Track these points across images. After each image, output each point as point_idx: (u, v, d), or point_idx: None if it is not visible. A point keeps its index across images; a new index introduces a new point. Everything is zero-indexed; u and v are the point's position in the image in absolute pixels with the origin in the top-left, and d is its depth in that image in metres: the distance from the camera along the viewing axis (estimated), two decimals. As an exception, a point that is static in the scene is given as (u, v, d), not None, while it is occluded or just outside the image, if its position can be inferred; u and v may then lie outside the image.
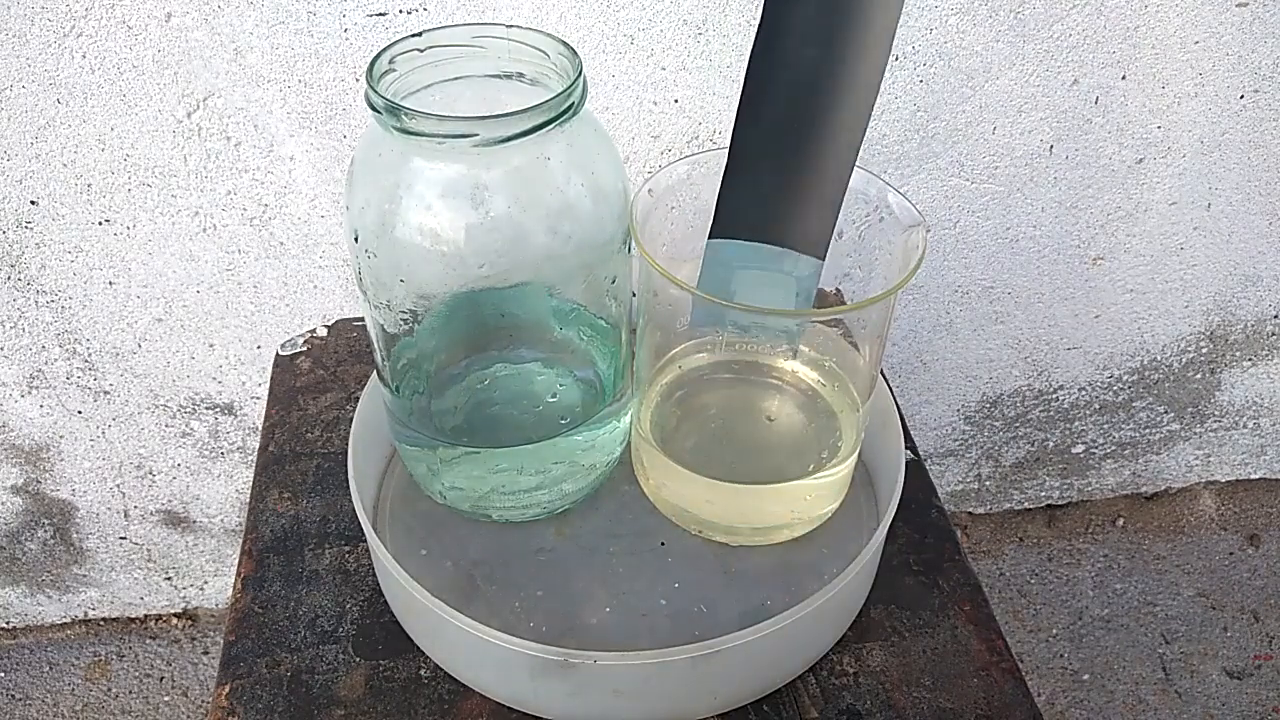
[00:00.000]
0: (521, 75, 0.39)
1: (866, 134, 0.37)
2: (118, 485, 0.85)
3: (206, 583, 0.95)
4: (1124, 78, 0.71)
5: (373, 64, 0.36)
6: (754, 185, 0.37)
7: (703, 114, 0.68)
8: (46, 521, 0.87)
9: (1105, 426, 0.97)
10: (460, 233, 0.37)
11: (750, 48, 0.36)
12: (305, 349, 0.59)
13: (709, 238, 0.39)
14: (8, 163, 0.65)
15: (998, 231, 0.79)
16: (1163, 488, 1.05)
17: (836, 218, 0.37)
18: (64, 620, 0.95)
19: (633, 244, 0.39)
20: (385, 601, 0.45)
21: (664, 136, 0.69)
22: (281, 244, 0.71)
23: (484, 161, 0.36)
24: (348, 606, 0.45)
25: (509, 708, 0.41)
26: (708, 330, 0.43)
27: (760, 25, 0.36)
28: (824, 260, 0.38)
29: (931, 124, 0.72)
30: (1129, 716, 0.91)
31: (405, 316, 0.40)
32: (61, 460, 0.82)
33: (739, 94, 0.37)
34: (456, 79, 0.39)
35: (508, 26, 0.38)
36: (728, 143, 0.38)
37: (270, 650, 0.43)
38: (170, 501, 0.87)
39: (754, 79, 0.36)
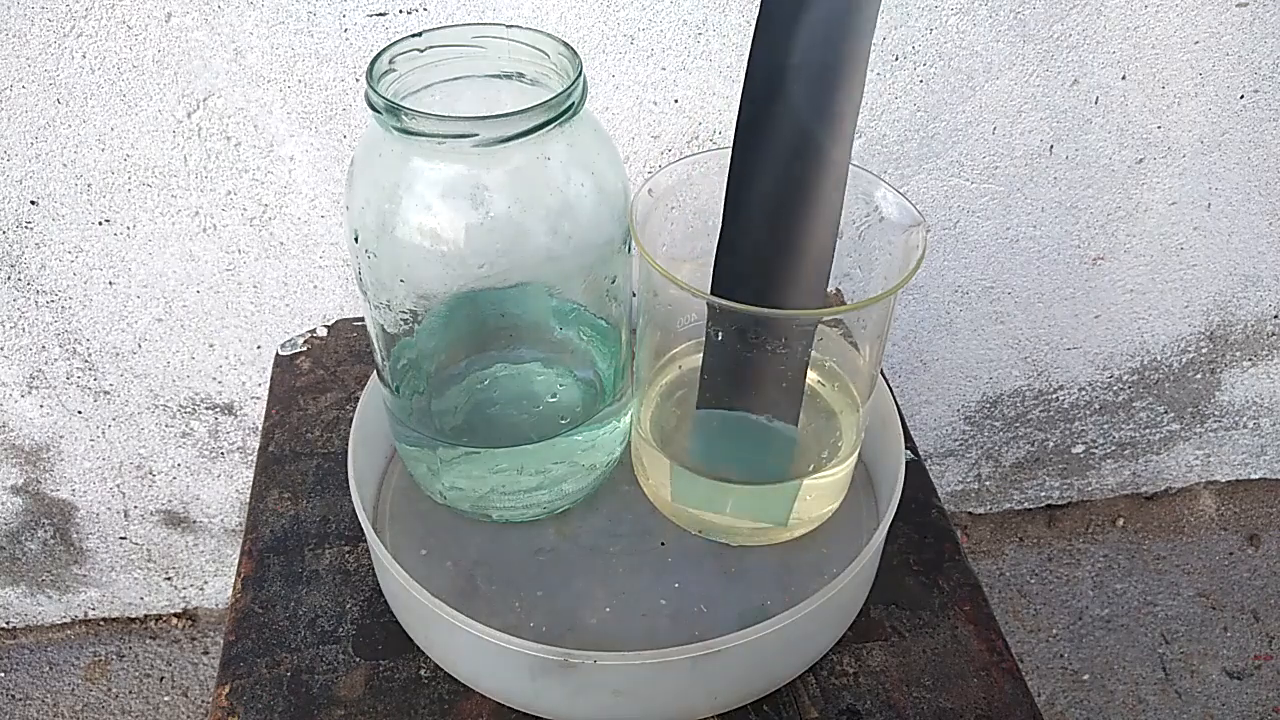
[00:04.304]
0: (521, 75, 0.39)
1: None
2: (118, 485, 0.85)
3: (206, 583, 0.95)
4: (1124, 78, 0.71)
5: (373, 64, 0.36)
6: (729, 368, 0.41)
7: (703, 114, 0.68)
8: (46, 521, 0.87)
9: (1105, 426, 0.97)
10: (460, 233, 0.37)
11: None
12: (305, 349, 0.59)
13: (696, 407, 0.43)
14: (8, 163, 0.65)
15: (998, 231, 0.79)
16: (1163, 488, 1.05)
17: (802, 394, 0.42)
18: (64, 620, 0.95)
19: (633, 244, 0.39)
20: (385, 601, 0.45)
21: (664, 136, 0.69)
22: (281, 244, 0.71)
23: (484, 161, 0.36)
24: (348, 606, 0.45)
25: (509, 708, 0.41)
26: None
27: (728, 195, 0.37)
28: (798, 426, 0.43)
29: (931, 124, 0.72)
30: (1129, 716, 0.91)
31: (405, 316, 0.40)
32: (61, 460, 0.82)
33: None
34: (456, 79, 0.39)
35: (508, 26, 0.38)
36: (727, 145, 0.38)
37: (270, 650, 0.43)
38: (170, 501, 0.87)
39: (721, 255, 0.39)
